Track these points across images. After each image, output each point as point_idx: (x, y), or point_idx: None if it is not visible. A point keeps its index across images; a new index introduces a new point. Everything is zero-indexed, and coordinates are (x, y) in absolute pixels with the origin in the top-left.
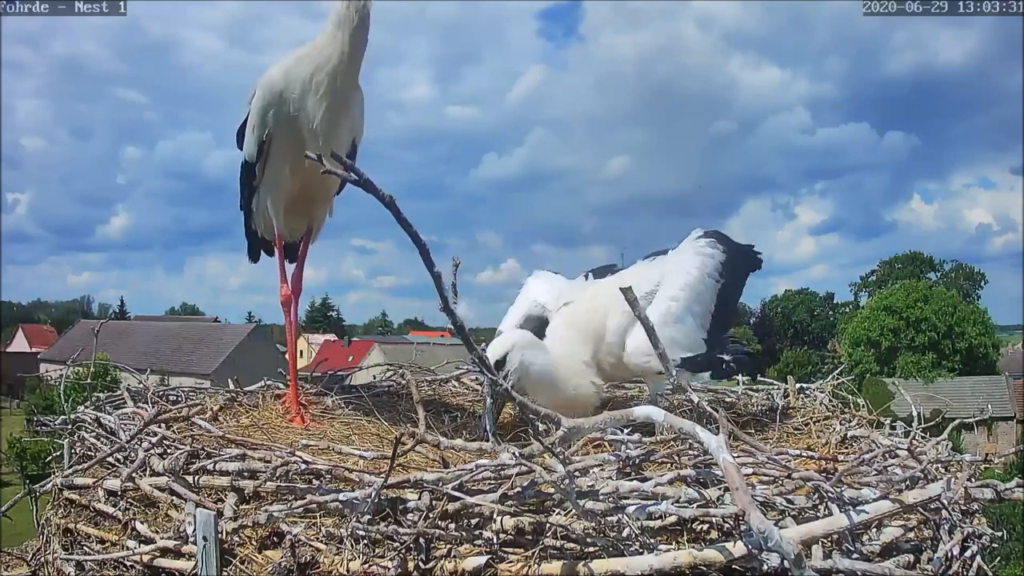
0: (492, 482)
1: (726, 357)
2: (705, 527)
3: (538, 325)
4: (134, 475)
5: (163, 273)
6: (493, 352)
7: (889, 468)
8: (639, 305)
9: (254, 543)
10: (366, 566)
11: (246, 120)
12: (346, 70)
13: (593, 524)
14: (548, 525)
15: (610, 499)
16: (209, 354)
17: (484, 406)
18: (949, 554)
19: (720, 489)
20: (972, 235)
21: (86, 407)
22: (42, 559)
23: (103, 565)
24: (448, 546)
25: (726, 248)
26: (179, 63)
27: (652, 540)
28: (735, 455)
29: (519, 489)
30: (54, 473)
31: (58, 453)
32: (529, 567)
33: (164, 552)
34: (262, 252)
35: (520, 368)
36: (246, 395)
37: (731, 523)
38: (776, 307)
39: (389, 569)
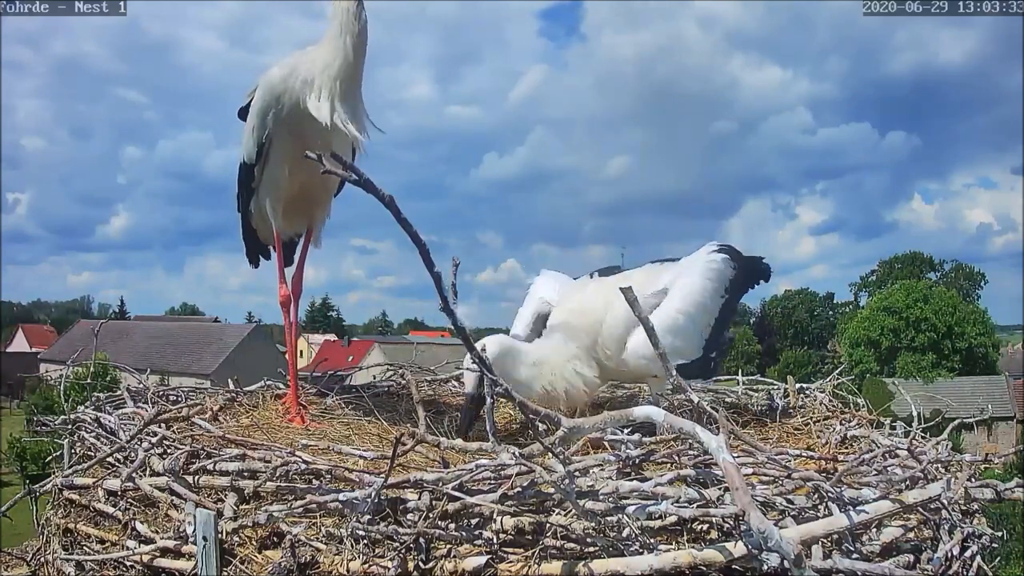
0: (492, 482)
1: (713, 355)
2: (705, 527)
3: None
4: (134, 475)
5: (163, 273)
6: (469, 374)
7: (889, 468)
8: (639, 305)
9: (254, 543)
10: (366, 566)
11: (247, 104)
12: (348, 76)
13: (593, 524)
14: (548, 525)
15: (610, 499)
16: (209, 354)
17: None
18: (949, 554)
19: (720, 489)
20: (972, 235)
21: (86, 407)
22: (42, 559)
23: (103, 565)
24: (448, 546)
25: (738, 265)
26: (179, 63)
27: (652, 540)
28: (735, 455)
29: (519, 489)
30: (54, 473)
31: (58, 453)
32: (529, 567)
33: (164, 552)
34: (261, 258)
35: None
36: (246, 395)
37: (731, 523)
38: (776, 307)
39: (389, 569)
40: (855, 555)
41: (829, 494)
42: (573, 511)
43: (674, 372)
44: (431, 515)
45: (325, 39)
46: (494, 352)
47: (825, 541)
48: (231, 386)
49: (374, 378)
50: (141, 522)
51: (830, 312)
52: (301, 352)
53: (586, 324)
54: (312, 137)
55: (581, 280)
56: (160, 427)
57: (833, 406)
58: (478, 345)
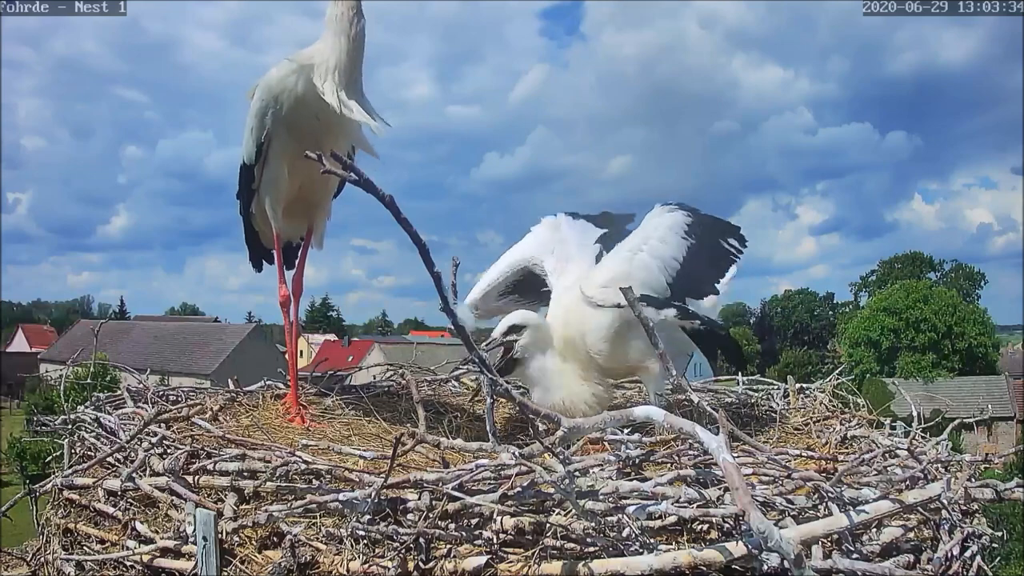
0: (492, 482)
1: (699, 314)
2: (705, 527)
3: (520, 281)
4: (134, 475)
5: (163, 273)
6: (514, 315)
7: (889, 468)
8: (639, 305)
9: (254, 543)
10: (366, 566)
11: None
12: (346, 72)
13: (593, 524)
14: (548, 525)
15: (610, 499)
16: (209, 354)
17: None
18: (949, 554)
19: (720, 489)
20: (973, 235)
21: (86, 407)
22: (42, 559)
23: (103, 565)
24: (448, 546)
25: (690, 212)
26: (180, 62)
27: (652, 540)
28: (735, 455)
29: (519, 489)
30: (54, 473)
31: (58, 453)
32: (529, 567)
33: (164, 552)
34: (264, 262)
35: (525, 349)
36: (246, 395)
37: (731, 523)
38: (776, 307)
39: (389, 569)
40: (855, 555)
41: (829, 494)
42: (573, 511)
43: (673, 371)
44: (431, 515)
45: (321, 39)
46: (527, 319)
47: (825, 541)
48: (231, 386)
49: (374, 378)
50: (141, 522)
51: (830, 312)
52: (301, 352)
53: (572, 333)
54: (311, 136)
55: (585, 247)
56: (160, 427)
57: (833, 406)
58: (506, 320)
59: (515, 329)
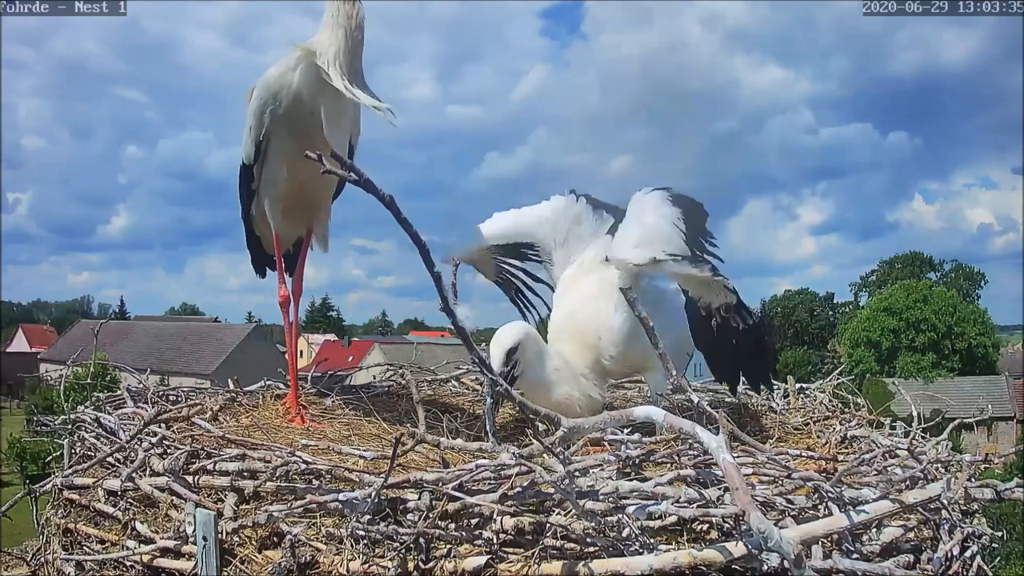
0: (492, 482)
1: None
2: (705, 527)
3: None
4: (134, 475)
5: (163, 273)
6: (505, 338)
7: (889, 468)
8: (639, 305)
9: (254, 543)
10: (366, 566)
11: None
12: (346, 63)
13: (593, 524)
14: (548, 525)
15: (610, 499)
16: (209, 354)
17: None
18: (949, 554)
19: (720, 489)
20: (973, 235)
21: (86, 407)
22: (42, 559)
23: (103, 565)
24: (448, 546)
25: (668, 188)
26: (180, 62)
27: (652, 540)
28: (735, 455)
29: (519, 489)
30: (54, 473)
31: (58, 453)
32: (529, 567)
33: (164, 552)
34: (267, 268)
35: (525, 362)
36: (246, 395)
37: (731, 523)
38: (776, 307)
39: (389, 569)
40: (855, 555)
41: (829, 494)
42: (573, 511)
43: (674, 371)
44: (431, 515)
45: (319, 31)
46: (519, 337)
47: (825, 541)
48: (231, 386)
49: (374, 378)
50: (141, 522)
51: (830, 312)
52: (301, 352)
53: (584, 336)
54: (309, 135)
55: (571, 271)
56: (160, 427)
57: (833, 406)
58: (499, 347)
59: (512, 352)
